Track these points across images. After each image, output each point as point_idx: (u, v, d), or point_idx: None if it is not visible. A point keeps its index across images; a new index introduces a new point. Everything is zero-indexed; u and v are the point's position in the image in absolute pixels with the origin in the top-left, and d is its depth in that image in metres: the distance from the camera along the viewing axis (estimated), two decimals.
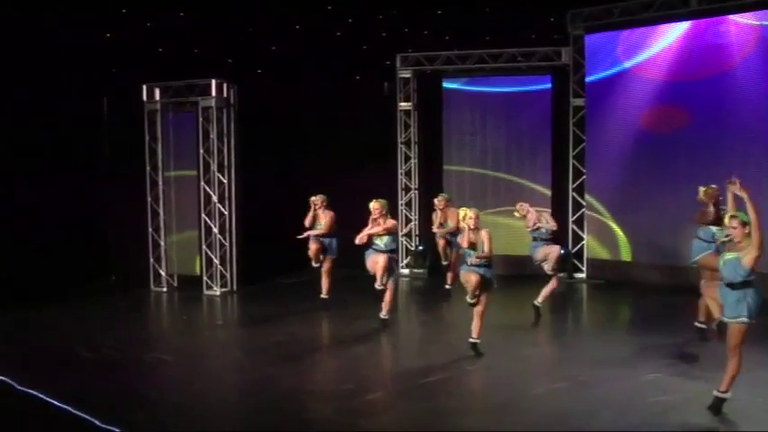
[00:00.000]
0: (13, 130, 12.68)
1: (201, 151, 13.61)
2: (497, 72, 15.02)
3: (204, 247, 13.72)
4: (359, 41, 15.12)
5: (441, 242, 13.01)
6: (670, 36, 13.48)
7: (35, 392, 8.07)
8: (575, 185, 14.55)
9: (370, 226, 10.60)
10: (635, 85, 13.88)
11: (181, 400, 8.14)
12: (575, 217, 14.55)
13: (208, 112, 13.48)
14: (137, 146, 13.95)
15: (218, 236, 13.57)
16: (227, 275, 13.68)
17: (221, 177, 13.54)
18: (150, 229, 14.12)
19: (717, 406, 7.16)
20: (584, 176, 14.47)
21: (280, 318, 11.75)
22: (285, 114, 14.78)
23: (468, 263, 9.19)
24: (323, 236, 11.77)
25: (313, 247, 11.77)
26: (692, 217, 9.70)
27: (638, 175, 13.82)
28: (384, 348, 10.50)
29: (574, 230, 14.53)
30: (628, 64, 13.96)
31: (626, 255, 14.23)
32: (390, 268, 10.71)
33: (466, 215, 9.14)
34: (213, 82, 13.32)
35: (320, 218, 11.79)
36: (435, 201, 12.96)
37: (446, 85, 15.38)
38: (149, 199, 14.07)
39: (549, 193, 14.73)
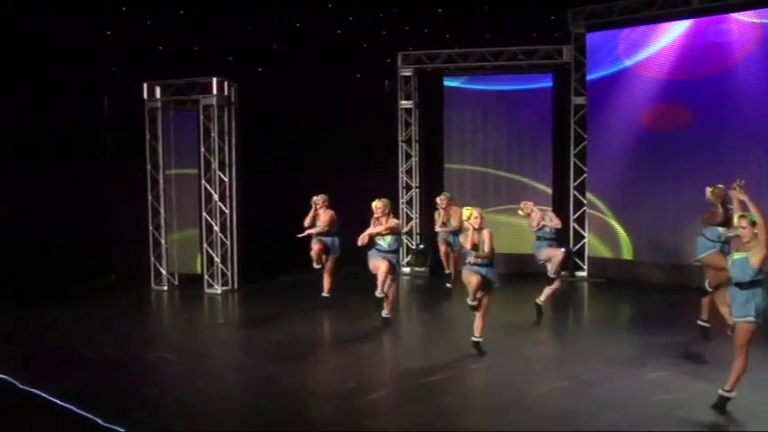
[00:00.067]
0: (13, 130, 12.67)
1: (202, 149, 13.60)
2: (498, 70, 15.01)
3: (205, 245, 13.71)
4: (359, 40, 15.11)
5: (442, 248, 12.97)
6: (671, 34, 13.46)
7: (37, 391, 8.05)
8: (576, 184, 14.54)
9: (372, 225, 10.58)
10: (636, 83, 13.86)
11: (182, 398, 8.12)
12: (576, 215, 14.53)
13: (209, 111, 13.47)
14: (137, 144, 13.94)
15: (219, 234, 13.56)
16: (229, 274, 13.67)
17: (222, 176, 13.52)
18: (151, 228, 14.11)
19: (721, 405, 7.14)
20: (586, 175, 14.47)
21: (281, 316, 11.74)
22: (286, 113, 14.76)
23: (469, 262, 9.18)
24: (323, 234, 11.74)
25: (315, 247, 11.75)
26: (702, 218, 9.64)
27: (639, 173, 13.80)
28: (386, 347, 10.49)
29: (575, 229, 14.51)
30: (629, 62, 13.94)
31: (627, 253, 14.21)
32: (392, 270, 10.68)
33: (471, 215, 9.11)
34: (214, 80, 13.30)
35: (320, 217, 11.78)
36: (437, 200, 12.94)
37: (447, 83, 15.38)
38: (150, 197, 14.06)
39: (550, 191, 14.72)
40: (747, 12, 12.52)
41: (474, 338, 9.30)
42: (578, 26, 14.38)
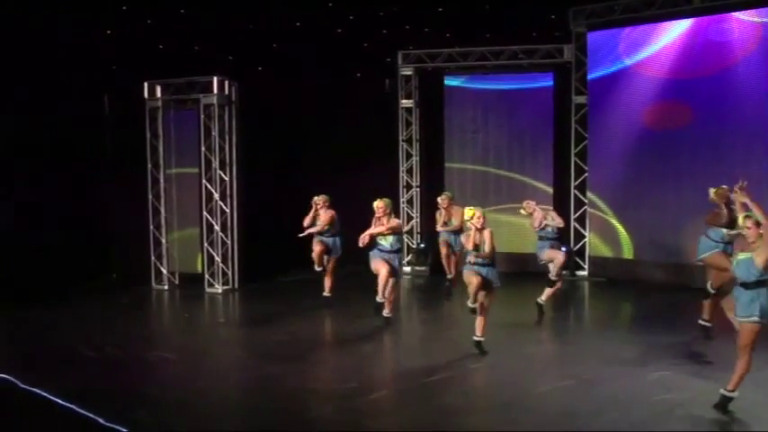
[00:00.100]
0: (13, 130, 12.65)
1: (203, 148, 13.58)
2: (499, 69, 14.99)
3: (206, 244, 13.70)
4: (360, 39, 15.10)
5: (443, 251, 12.92)
6: (672, 33, 13.44)
7: (38, 391, 8.04)
8: (577, 183, 14.53)
9: (373, 225, 10.56)
10: (637, 82, 13.84)
11: (183, 398, 8.11)
12: (576, 215, 14.52)
13: (209, 110, 13.45)
14: (138, 143, 13.92)
15: (220, 233, 13.55)
16: (229, 273, 13.66)
17: (223, 175, 13.51)
18: (152, 227, 14.10)
19: (723, 404, 7.14)
20: (586, 174, 14.46)
21: (282, 316, 11.73)
22: (286, 112, 14.75)
23: (469, 261, 9.17)
24: (324, 233, 11.73)
25: (317, 249, 11.73)
26: (706, 218, 9.62)
27: (640, 172, 13.79)
28: (387, 347, 10.48)
29: (576, 228, 14.50)
30: (630, 61, 13.93)
31: (628, 252, 14.20)
32: (393, 274, 10.66)
33: (474, 215, 9.08)
34: (215, 79, 13.29)
35: (321, 217, 11.76)
36: (439, 199, 12.90)
37: (448, 82, 15.36)
38: (150, 196, 14.04)
39: (550, 190, 14.70)
40: (748, 11, 12.50)
41: (476, 338, 9.29)
42: (579, 25, 14.37)
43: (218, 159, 13.47)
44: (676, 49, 13.39)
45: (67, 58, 13.04)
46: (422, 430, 7.21)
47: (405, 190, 15.47)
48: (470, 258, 9.16)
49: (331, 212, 11.76)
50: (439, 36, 15.16)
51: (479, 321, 9.28)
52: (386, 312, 10.80)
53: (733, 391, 7.11)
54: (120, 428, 7.01)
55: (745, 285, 7.02)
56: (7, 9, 11.79)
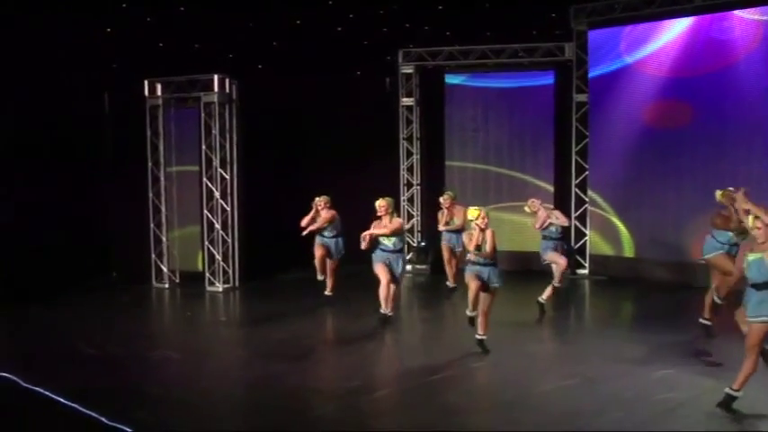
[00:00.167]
0: (13, 130, 12.62)
1: (204, 147, 13.57)
2: (500, 68, 14.97)
3: (206, 243, 13.68)
4: (360, 37, 15.06)
5: (446, 255, 12.85)
6: (673, 31, 13.42)
7: (40, 390, 8.03)
8: (577, 181, 14.52)
9: (374, 225, 10.54)
10: (638, 80, 13.82)
11: (185, 397, 8.11)
12: (577, 213, 14.51)
13: (210, 108, 13.43)
14: (138, 142, 13.89)
15: (221, 232, 13.53)
16: (230, 271, 13.64)
17: (223, 173, 13.49)
18: (152, 225, 14.08)
19: (727, 403, 7.10)
20: (587, 172, 14.44)
21: (283, 315, 11.71)
22: (287, 110, 14.73)
23: (470, 260, 9.16)
24: (323, 233, 11.71)
25: (318, 253, 11.74)
26: (714, 221, 9.57)
27: (641, 170, 13.78)
28: (389, 346, 10.45)
29: (576, 226, 14.48)
30: (631, 59, 13.90)
31: (629, 251, 14.20)
32: (394, 280, 10.64)
33: (479, 215, 9.04)
34: (215, 77, 13.27)
35: (321, 217, 11.74)
36: (441, 199, 12.84)
37: (448, 80, 15.34)
38: (151, 195, 14.02)
39: (551, 189, 14.68)
40: (750, 9, 12.48)
41: (478, 336, 9.29)
42: (580, 23, 14.34)
43: (218, 157, 13.45)
44: (677, 47, 13.37)
45: (67, 58, 13.00)
46: (424, 429, 7.19)
47: (405, 188, 15.45)
48: (471, 257, 9.15)
49: (332, 212, 11.74)
50: (439, 34, 15.14)
51: (481, 320, 9.26)
52: (387, 311, 10.73)
53: (738, 390, 7.08)
54: (124, 428, 6.99)
55: (756, 286, 7.00)
56: (7, 9, 11.76)
